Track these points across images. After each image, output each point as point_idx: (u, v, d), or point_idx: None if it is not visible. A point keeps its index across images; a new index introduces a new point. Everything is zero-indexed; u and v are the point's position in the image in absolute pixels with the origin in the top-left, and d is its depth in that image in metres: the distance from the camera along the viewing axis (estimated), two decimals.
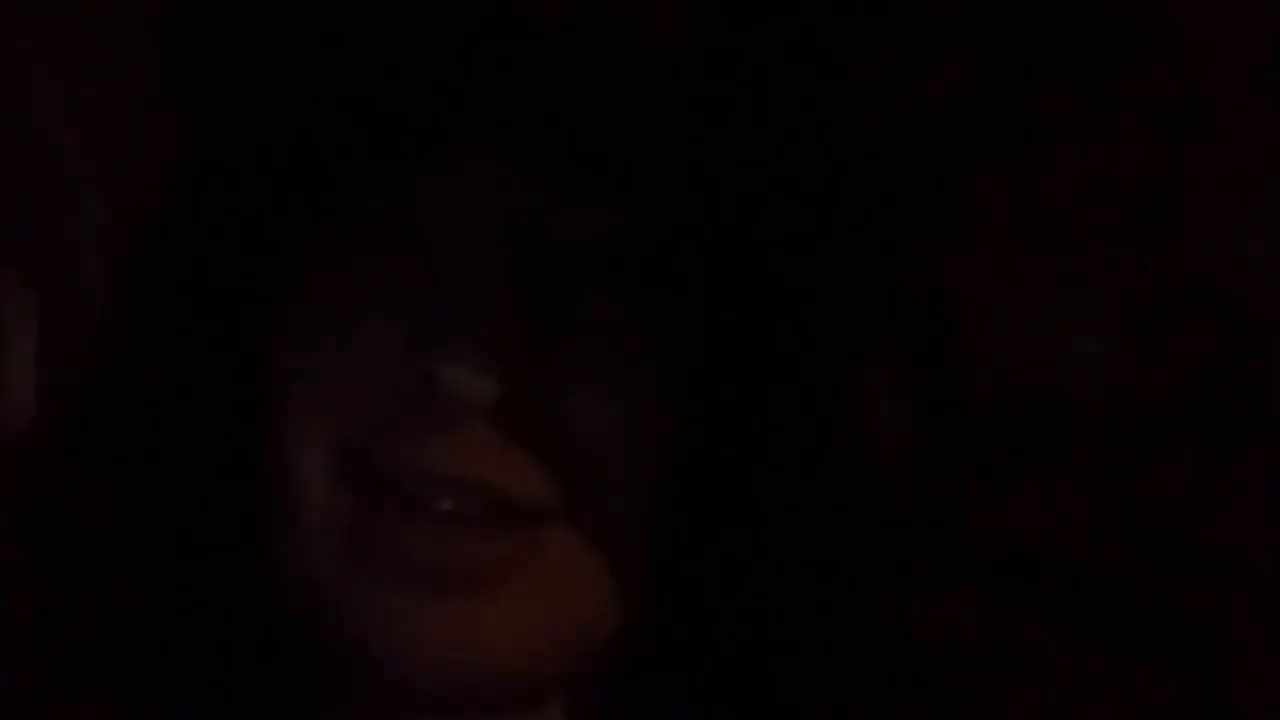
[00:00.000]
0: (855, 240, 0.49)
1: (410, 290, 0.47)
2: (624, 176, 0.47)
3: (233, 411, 0.50)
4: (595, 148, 0.47)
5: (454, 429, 0.46)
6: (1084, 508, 0.52)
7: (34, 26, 0.52)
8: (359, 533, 0.47)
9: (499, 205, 0.47)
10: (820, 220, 0.48)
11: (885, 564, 0.51)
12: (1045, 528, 0.51)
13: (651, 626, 0.50)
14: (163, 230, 0.51)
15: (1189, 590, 0.51)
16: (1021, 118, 0.47)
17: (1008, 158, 0.48)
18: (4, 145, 0.52)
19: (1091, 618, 0.51)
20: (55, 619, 0.51)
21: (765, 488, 0.49)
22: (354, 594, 0.47)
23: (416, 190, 0.48)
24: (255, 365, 0.50)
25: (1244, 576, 0.51)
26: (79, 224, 0.53)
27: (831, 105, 0.48)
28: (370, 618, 0.47)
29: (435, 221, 0.48)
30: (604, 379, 0.47)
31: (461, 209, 0.48)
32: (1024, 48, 0.48)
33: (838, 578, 0.50)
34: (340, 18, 0.48)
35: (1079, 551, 0.51)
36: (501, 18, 0.46)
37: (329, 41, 0.48)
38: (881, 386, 0.51)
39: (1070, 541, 0.51)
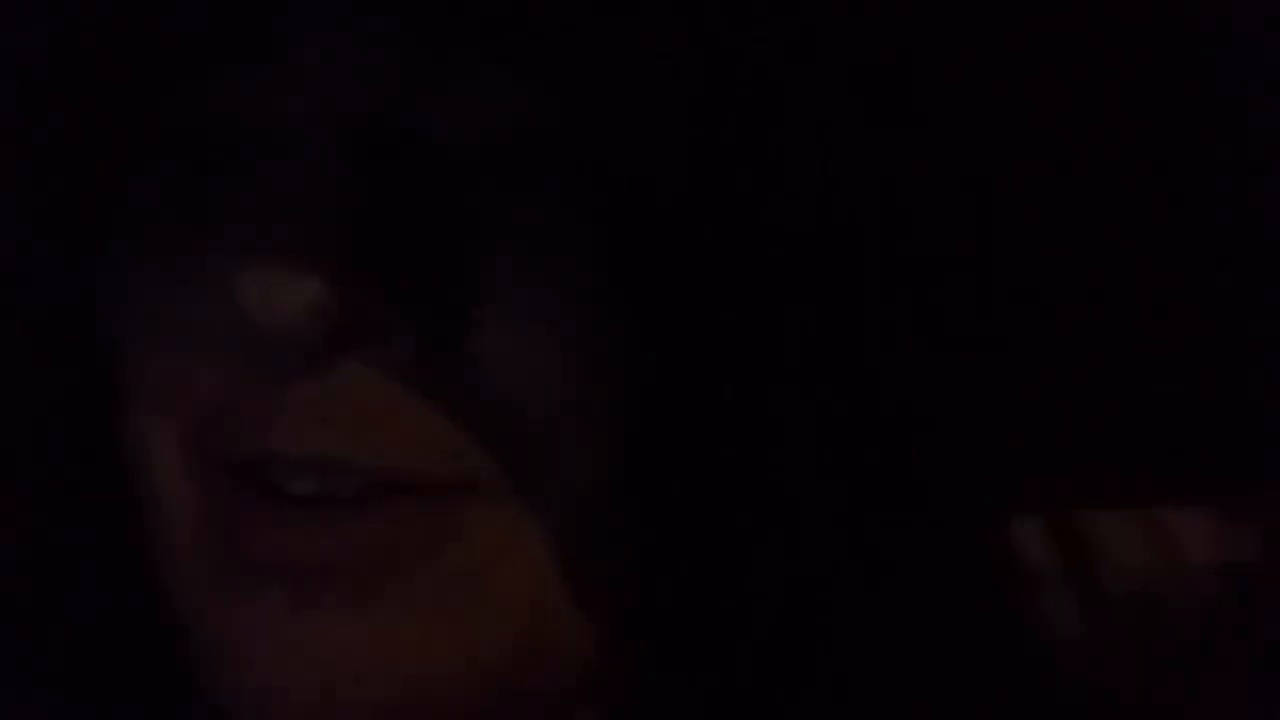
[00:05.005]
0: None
1: (246, 220, 0.36)
2: (530, 44, 0.36)
3: (63, 388, 0.41)
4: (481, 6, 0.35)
5: (302, 388, 0.36)
6: None
7: None
8: (217, 528, 0.38)
9: (348, 93, 0.37)
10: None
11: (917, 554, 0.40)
12: None
13: (635, 626, 0.39)
14: None
15: None
16: None
17: None
18: None
19: None
20: None
21: (761, 445, 0.37)
22: (215, 604, 0.37)
23: (240, 85, 0.37)
24: (80, 322, 0.40)
25: None
26: None
27: None
28: (229, 633, 0.37)
29: (268, 124, 0.37)
30: (529, 312, 0.36)
31: (298, 104, 0.37)
32: None
33: (855, 564, 0.39)
34: None
35: None
36: None
37: None
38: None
39: None
